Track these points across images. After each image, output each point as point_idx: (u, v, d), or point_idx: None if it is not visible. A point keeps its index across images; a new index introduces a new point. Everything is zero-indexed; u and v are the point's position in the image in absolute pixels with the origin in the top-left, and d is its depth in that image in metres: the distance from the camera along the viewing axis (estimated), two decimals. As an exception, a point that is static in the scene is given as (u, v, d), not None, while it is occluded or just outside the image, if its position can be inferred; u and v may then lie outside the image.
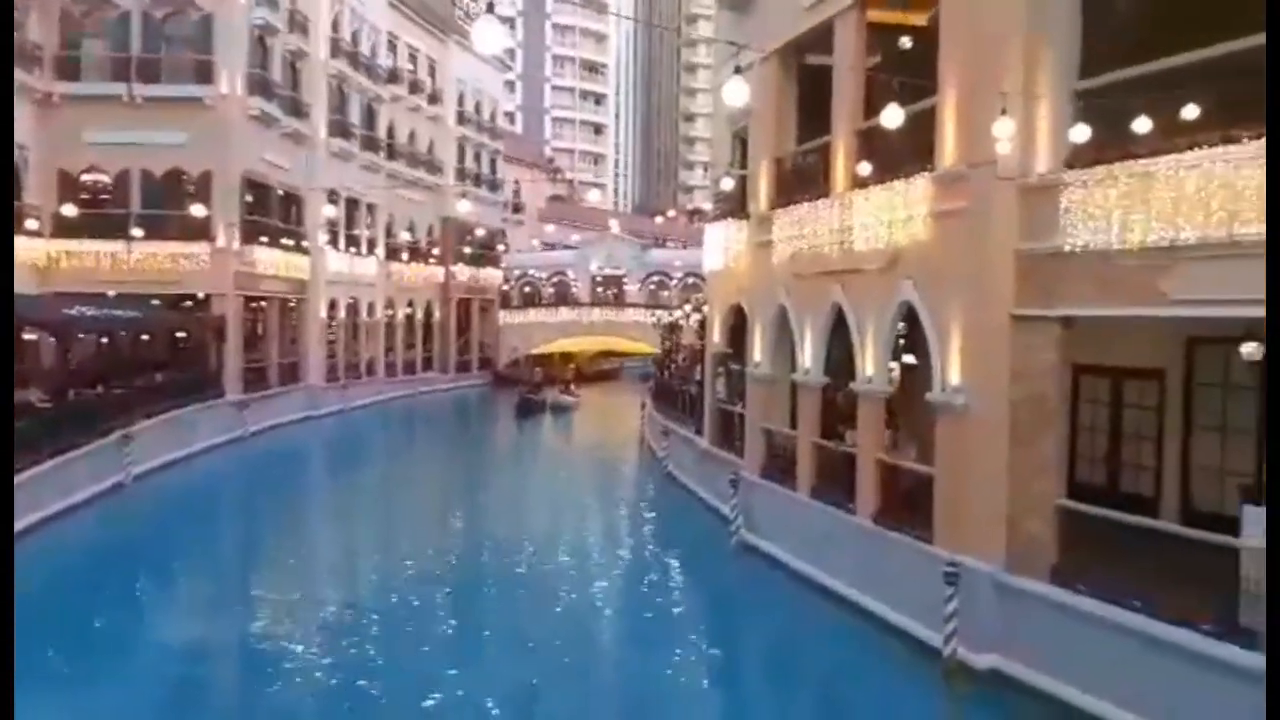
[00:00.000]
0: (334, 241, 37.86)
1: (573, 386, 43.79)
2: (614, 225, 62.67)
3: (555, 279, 58.02)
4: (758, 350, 18.13)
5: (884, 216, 13.69)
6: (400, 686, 11.65)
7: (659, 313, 46.47)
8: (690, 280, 53.25)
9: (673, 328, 37.75)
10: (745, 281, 19.19)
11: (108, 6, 29.25)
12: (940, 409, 12.56)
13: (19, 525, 17.51)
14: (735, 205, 20.08)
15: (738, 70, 10.61)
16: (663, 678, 12.35)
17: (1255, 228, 8.89)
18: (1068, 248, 10.82)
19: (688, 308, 36.95)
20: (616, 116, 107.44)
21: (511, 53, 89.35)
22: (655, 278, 57.83)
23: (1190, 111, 10.10)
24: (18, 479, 17.62)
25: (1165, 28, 10.50)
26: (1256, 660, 8.11)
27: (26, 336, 24.82)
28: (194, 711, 11.49)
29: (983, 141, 11.49)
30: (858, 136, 14.87)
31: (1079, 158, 10.93)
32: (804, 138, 17.10)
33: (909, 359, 15.85)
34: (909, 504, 13.32)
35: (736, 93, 10.75)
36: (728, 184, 20.39)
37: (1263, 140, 8.87)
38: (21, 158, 27.40)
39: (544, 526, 21.42)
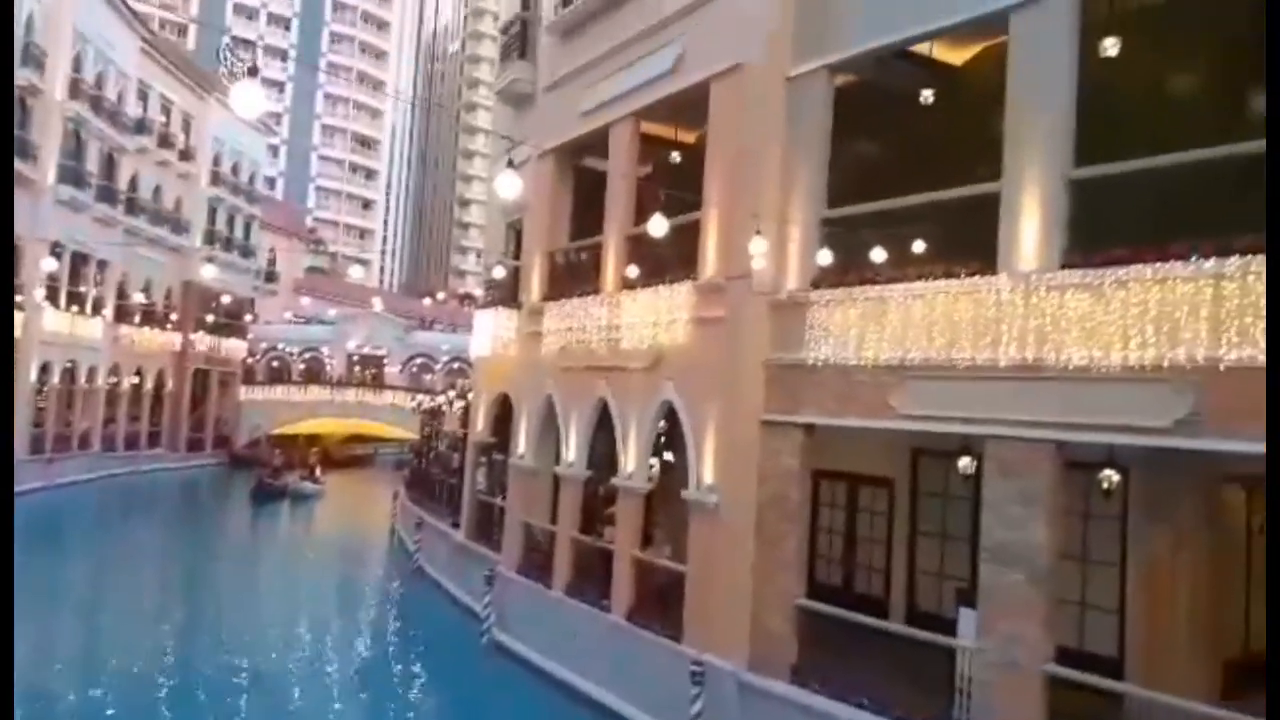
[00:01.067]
0: (53, 298, 34.08)
1: (318, 472, 41.26)
2: (377, 303, 60.84)
3: (308, 355, 55.25)
4: (522, 440, 17.97)
5: (649, 318, 14.16)
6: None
7: (421, 397, 45.23)
8: (456, 365, 52.52)
9: (434, 413, 36.77)
10: (513, 370, 19.09)
11: None
12: (694, 507, 12.91)
13: None
14: (507, 294, 20.06)
15: (511, 164, 10.70)
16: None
17: (968, 352, 9.98)
18: (811, 360, 11.65)
19: (452, 393, 36.21)
20: (388, 192, 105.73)
21: (278, 117, 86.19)
22: (419, 360, 56.49)
23: (919, 246, 11.31)
24: None
25: (903, 170, 11.78)
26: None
27: None
28: None
29: (740, 256, 12.23)
30: (628, 240, 15.39)
31: (824, 279, 11.88)
32: (578, 234, 17.48)
33: (668, 456, 16.27)
34: (662, 602, 13.47)
35: (509, 186, 10.80)
36: (500, 272, 20.37)
37: (975, 278, 10.06)
38: None
39: (277, 626, 19.62)
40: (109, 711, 13.49)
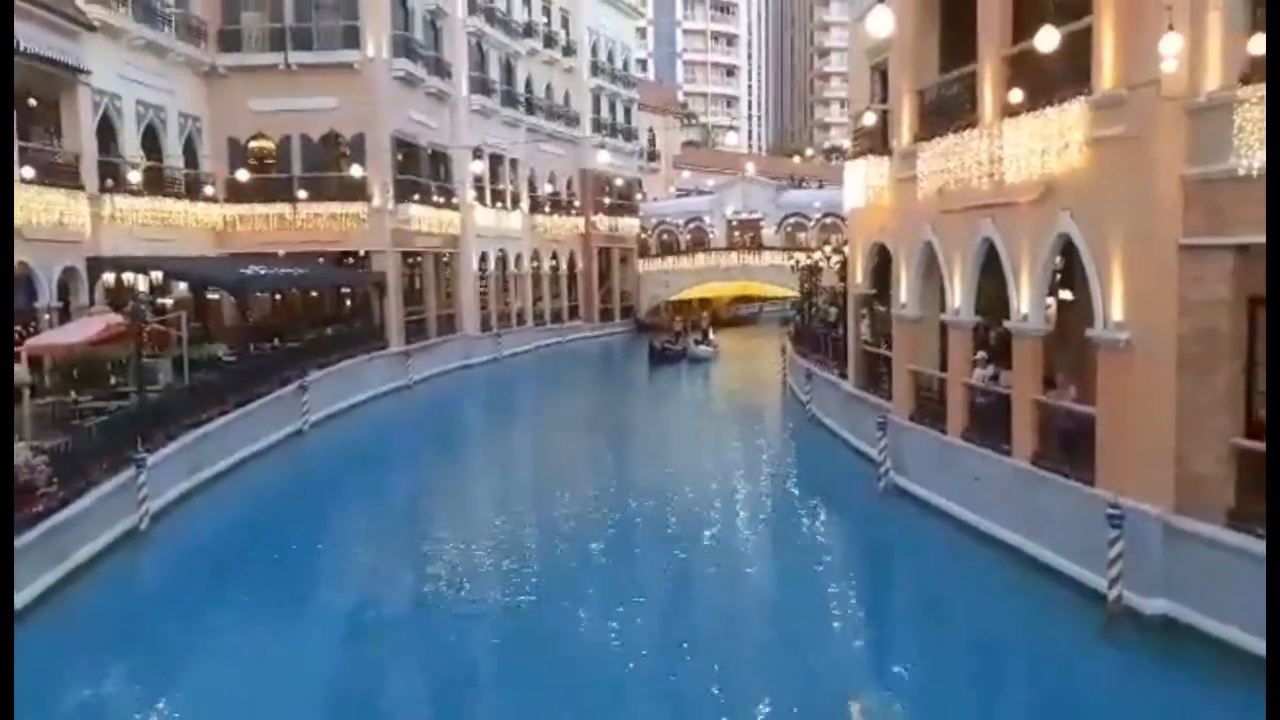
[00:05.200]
0: (481, 197, 39.09)
1: (710, 334, 43.33)
2: (749, 168, 61.85)
3: (692, 225, 57.88)
4: (904, 290, 17.78)
5: (1036, 145, 13.12)
6: (568, 611, 12.38)
7: (797, 255, 45.81)
8: (829, 220, 52.11)
9: (812, 270, 37.21)
10: (888, 219, 18.78)
11: (263, -23, 30.77)
12: (1102, 346, 12.10)
13: (217, 467, 19.38)
14: (876, 141, 19.57)
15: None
16: (817, 620, 12.47)
17: None
18: (1243, 170, 10.15)
19: (827, 249, 36.27)
20: (749, 57, 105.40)
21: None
22: (792, 219, 56.83)
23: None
24: (210, 427, 19.41)
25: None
26: None
27: (209, 295, 26.97)
28: (374, 621, 12.77)
29: (1144, 60, 10.86)
30: (1005, 61, 14.23)
31: (1257, 72, 10.18)
32: (947, 67, 16.47)
33: (1065, 294, 15.24)
34: (1069, 445, 12.94)
35: (881, 22, 10.50)
36: (868, 119, 19.88)
37: None
38: (194, 128, 29.43)
39: (692, 468, 21.78)
40: (561, 539, 16.07)
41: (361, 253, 31.80)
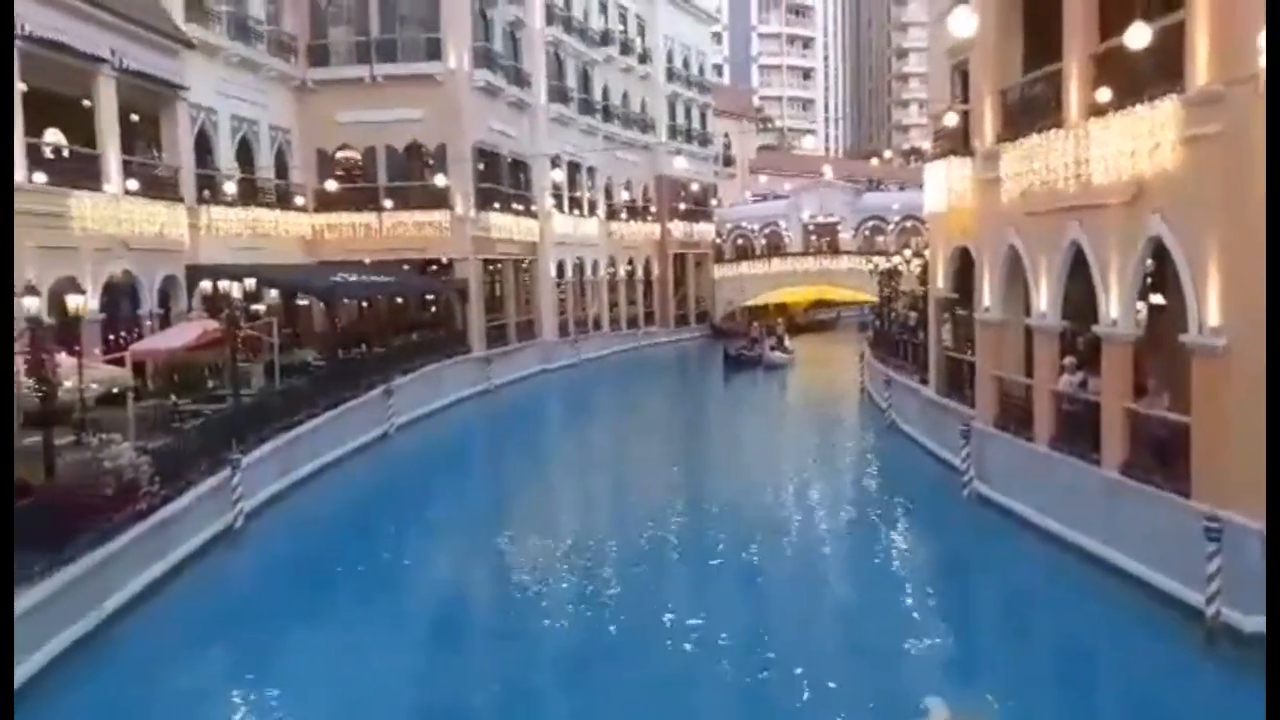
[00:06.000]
0: (559, 204, 39.62)
1: (786, 341, 42.77)
2: (826, 171, 61.31)
3: (767, 230, 57.69)
4: (987, 294, 17.46)
5: (1125, 146, 12.76)
6: (648, 619, 12.47)
7: (876, 259, 45.24)
8: (908, 224, 51.38)
9: (891, 274, 36.70)
10: (970, 222, 18.46)
11: (349, -7, 31.73)
12: (1197, 352, 11.72)
13: (307, 469, 20.03)
14: (956, 142, 19.28)
15: None
16: (902, 631, 12.23)
17: None
18: (1350, 168, 9.74)
19: (907, 252, 35.75)
20: (825, 59, 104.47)
21: (717, 4, 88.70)
22: (871, 222, 56.20)
23: None
24: (300, 430, 20.07)
25: None
26: None
27: (300, 302, 27.92)
28: (457, 622, 13.24)
29: (1243, 53, 10.48)
30: (1093, 60, 13.88)
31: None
32: (1031, 66, 16.13)
33: (1157, 299, 14.79)
34: (1162, 455, 12.55)
35: (963, 22, 10.38)
36: (949, 120, 19.58)
37: None
38: (285, 140, 30.52)
39: (769, 476, 21.71)
40: (641, 545, 16.19)
41: (444, 260, 32.54)
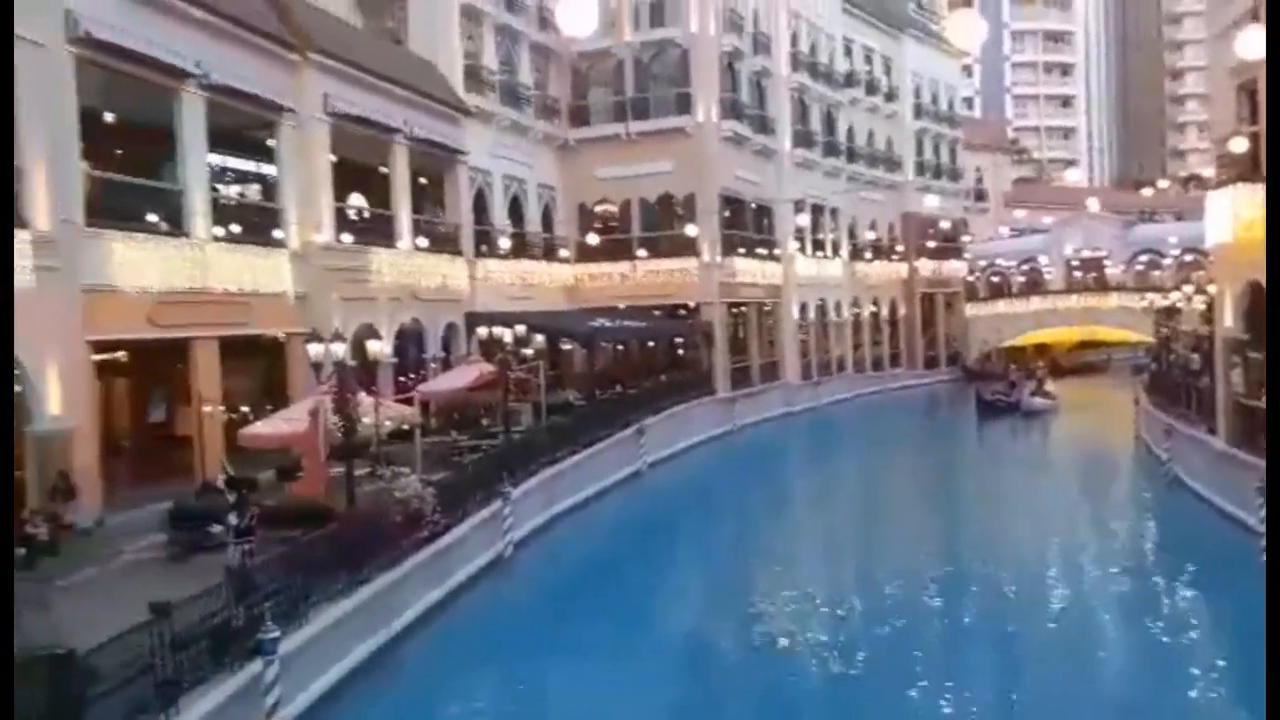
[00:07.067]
0: (802, 247, 39.76)
1: (1048, 385, 39.68)
2: (1092, 203, 57.40)
3: (1025, 266, 54.78)
4: (1288, 334, 15.71)
5: None
6: (899, 681, 11.98)
7: (1150, 296, 41.71)
8: (1188, 257, 47.04)
9: (1170, 312, 33.78)
10: (1263, 254, 16.73)
11: (606, 57, 33.76)
12: None
13: (568, 502, 21.20)
14: (1245, 168, 17.65)
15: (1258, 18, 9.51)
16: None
17: None
18: None
19: (1188, 288, 32.79)
20: (1086, 85, 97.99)
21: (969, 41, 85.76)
22: (1144, 257, 52.01)
23: None
24: (563, 465, 21.32)
25: None
26: None
27: (563, 346, 29.86)
28: (707, 656, 13.45)
29: None
30: None
31: None
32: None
33: None
34: None
35: (1253, 44, 9.69)
36: (1236, 144, 17.96)
37: None
38: (550, 196, 32.98)
39: (1031, 534, 20.12)
40: (890, 600, 15.79)
41: (691, 304, 33.57)
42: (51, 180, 14.82)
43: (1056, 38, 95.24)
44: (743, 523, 22.30)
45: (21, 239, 14.01)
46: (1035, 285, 53.29)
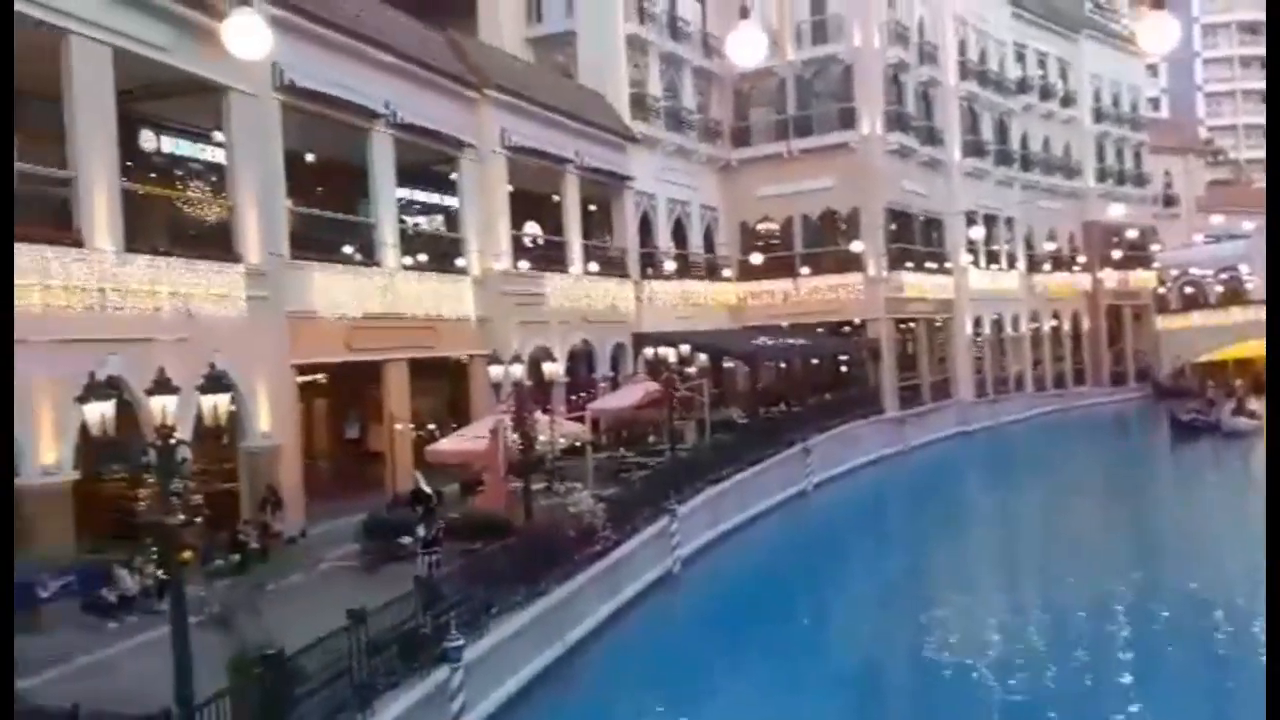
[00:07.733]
0: (975, 260, 38.33)
1: (1251, 404, 35.80)
2: (1301, 205, 52.37)
3: (1223, 275, 50.59)
4: None
5: None
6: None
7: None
8: None
9: (1398, 322, 30.24)
10: None
11: (768, 76, 33.72)
12: None
13: (733, 521, 21.21)
14: None
15: None
16: None
17: None
18: None
19: None
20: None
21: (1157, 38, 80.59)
22: (1364, 262, 46.98)
23: None
24: (727, 483, 21.35)
25: None
26: None
27: (725, 364, 29.97)
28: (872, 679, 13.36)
29: None
30: None
31: None
32: None
33: None
34: None
35: None
36: None
37: None
38: (712, 217, 33.25)
39: (1234, 577, 17.27)
40: (1069, 637, 14.91)
41: (856, 321, 32.96)
42: (261, 217, 16.25)
43: (1254, 29, 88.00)
44: (914, 550, 21.48)
45: (235, 271, 15.49)
46: (1235, 295, 49.11)
